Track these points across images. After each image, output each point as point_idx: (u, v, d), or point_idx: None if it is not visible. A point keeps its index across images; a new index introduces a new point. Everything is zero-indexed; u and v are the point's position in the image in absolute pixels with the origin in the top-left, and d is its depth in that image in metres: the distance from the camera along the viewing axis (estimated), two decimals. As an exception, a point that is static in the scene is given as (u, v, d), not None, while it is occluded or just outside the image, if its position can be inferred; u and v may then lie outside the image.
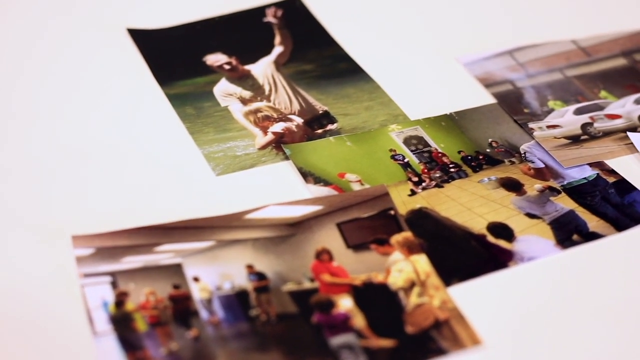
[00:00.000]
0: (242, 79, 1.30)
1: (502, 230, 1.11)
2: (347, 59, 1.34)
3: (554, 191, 1.16)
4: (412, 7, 1.48)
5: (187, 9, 1.43)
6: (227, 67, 1.31)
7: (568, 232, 1.10)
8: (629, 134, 1.24)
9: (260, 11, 1.42)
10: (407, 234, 1.09)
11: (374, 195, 1.14)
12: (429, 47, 1.39)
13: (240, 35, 1.38)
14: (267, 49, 1.35)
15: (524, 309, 1.02)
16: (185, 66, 1.32)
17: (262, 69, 1.31)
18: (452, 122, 1.25)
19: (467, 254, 1.07)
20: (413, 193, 1.15)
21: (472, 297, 1.03)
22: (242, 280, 1.04)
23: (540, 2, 1.51)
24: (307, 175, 1.15)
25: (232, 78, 1.30)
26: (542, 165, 1.20)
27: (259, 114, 1.24)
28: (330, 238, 1.09)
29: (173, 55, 1.34)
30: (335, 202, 1.12)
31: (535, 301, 1.03)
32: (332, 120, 1.25)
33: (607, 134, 1.26)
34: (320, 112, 1.26)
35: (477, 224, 1.10)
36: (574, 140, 1.25)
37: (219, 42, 1.36)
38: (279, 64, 1.33)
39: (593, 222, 1.12)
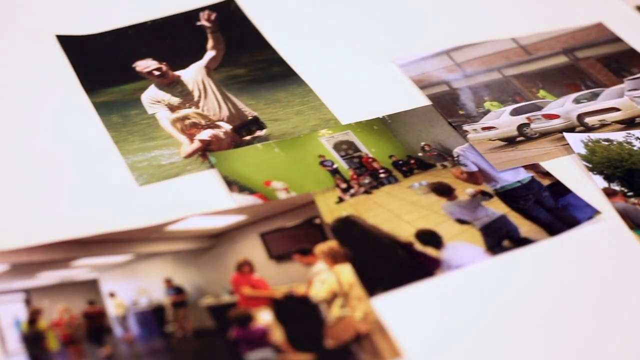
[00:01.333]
0: (172, 85, 1.27)
1: (431, 238, 1.08)
2: (280, 62, 1.31)
3: (486, 195, 1.13)
4: (351, 9, 1.44)
5: (120, 14, 1.39)
6: (156, 73, 1.28)
7: (499, 238, 1.07)
8: (565, 134, 1.21)
9: (194, 15, 1.38)
10: (332, 244, 1.05)
11: (299, 204, 1.10)
12: (366, 49, 1.35)
13: (173, 40, 1.35)
14: (199, 54, 1.32)
15: (449, 319, 0.99)
16: (114, 73, 1.28)
17: (193, 74, 1.28)
18: (385, 126, 1.22)
19: (392, 263, 1.04)
20: (341, 200, 1.12)
21: (396, 307, 0.99)
22: (160, 295, 1.01)
23: (482, 0, 1.49)
24: (232, 184, 1.12)
25: (162, 84, 1.26)
26: (475, 169, 1.17)
27: (187, 121, 1.21)
28: (252, 249, 1.06)
29: (102, 62, 1.30)
30: (259, 211, 1.09)
31: (461, 310, 1.00)
32: (261, 126, 1.21)
33: (544, 134, 1.23)
34: (250, 118, 1.23)
35: (405, 231, 1.07)
36: (510, 142, 1.22)
37: (150, 47, 1.33)
38: (210, 69, 1.29)
39: (525, 227, 1.09)
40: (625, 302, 1.02)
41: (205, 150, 1.16)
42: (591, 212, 1.10)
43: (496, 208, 1.11)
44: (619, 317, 1.01)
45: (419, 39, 1.37)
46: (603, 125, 1.25)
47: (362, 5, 1.45)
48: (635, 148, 1.21)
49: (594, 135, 1.22)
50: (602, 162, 1.18)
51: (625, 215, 1.11)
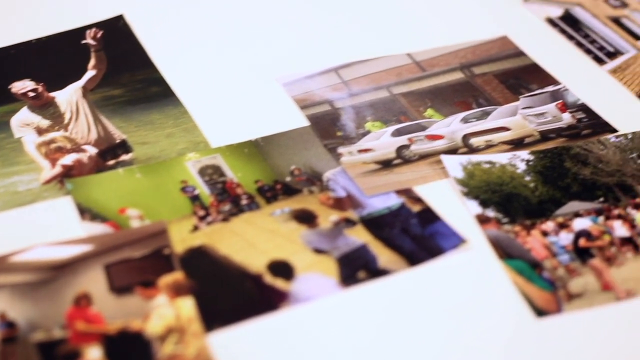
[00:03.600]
0: (44, 107, 1.23)
1: (282, 269, 1.03)
2: (160, 82, 1.26)
3: (349, 223, 1.08)
4: (243, 27, 1.39)
5: (5, 33, 1.36)
6: (31, 94, 1.23)
7: (354, 269, 1.02)
8: (443, 156, 1.15)
9: (81, 32, 1.34)
10: (178, 276, 1.01)
11: (151, 233, 1.06)
12: (252, 68, 1.30)
13: (56, 59, 1.31)
14: (80, 74, 1.28)
15: (289, 356, 0.95)
16: (-13, 95, 1.25)
17: (68, 95, 1.24)
18: (256, 149, 1.17)
19: (237, 297, 0.99)
20: (196, 229, 1.07)
21: (234, 344, 0.95)
22: (-9, 331, 0.98)
23: (382, 14, 1.43)
24: (85, 212, 1.07)
25: (35, 106, 1.22)
26: (344, 194, 1.11)
27: (52, 145, 1.17)
28: (94, 281, 1.01)
29: (-22, 83, 1.27)
30: (107, 241, 1.05)
31: (303, 347, 0.95)
32: (128, 150, 1.17)
33: (424, 157, 1.18)
34: (118, 141, 1.18)
35: (257, 262, 1.02)
36: (385, 165, 1.17)
37: (31, 67, 1.28)
38: (87, 90, 1.25)
39: (386, 257, 1.04)
40: (485, 338, 0.97)
41: (66, 176, 1.12)
42: (457, 241, 1.05)
43: (358, 236, 1.06)
44: (476, 354, 0.96)
45: (309, 55, 1.32)
46: (489, 146, 1.19)
47: (254, 23, 1.39)
48: (518, 171, 1.16)
49: (476, 157, 1.16)
50: (480, 186, 1.12)
51: (497, 244, 1.05)
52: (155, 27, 1.37)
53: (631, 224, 1.12)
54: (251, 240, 1.06)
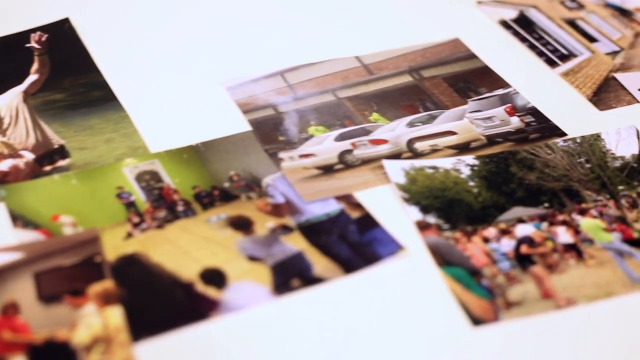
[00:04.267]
0: (-17, 111, 1.21)
1: (214, 277, 1.00)
2: (103, 86, 1.24)
3: (286, 230, 1.06)
4: (189, 30, 1.37)
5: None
6: (-28, 100, 1.23)
7: (288, 277, 1.00)
8: (384, 161, 1.13)
9: (26, 36, 1.32)
10: (108, 284, 0.99)
11: (83, 240, 1.04)
12: (197, 71, 1.28)
13: (-1, 64, 1.30)
14: (22, 77, 1.25)
15: (216, 367, 0.93)
16: None
17: (8, 99, 1.22)
18: (196, 154, 1.15)
19: (167, 306, 0.97)
20: (130, 236, 1.05)
21: (161, 354, 0.93)
22: None
23: (332, 17, 1.42)
24: (17, 219, 1.05)
25: (-26, 112, 1.21)
26: (282, 201, 1.10)
27: (-12, 151, 1.16)
28: (23, 289, 0.99)
29: None
30: (38, 248, 1.03)
31: (232, 356, 0.93)
32: (65, 156, 1.15)
33: (367, 161, 1.16)
34: (56, 146, 1.16)
35: (190, 270, 1.00)
36: (327, 170, 1.15)
37: (-28, 72, 1.28)
38: (28, 94, 1.23)
39: (321, 265, 1.02)
40: (419, 347, 0.95)
41: (1, 182, 1.10)
42: (395, 248, 1.03)
43: (295, 243, 1.04)
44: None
45: (257, 58, 1.30)
46: (434, 151, 1.18)
47: (201, 26, 1.38)
48: (462, 176, 1.14)
49: (419, 162, 1.14)
50: (422, 191, 1.10)
51: (436, 251, 1.04)
52: (101, 30, 1.35)
53: (575, 230, 1.10)
54: (185, 248, 1.04)
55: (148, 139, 1.17)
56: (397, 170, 1.12)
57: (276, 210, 1.08)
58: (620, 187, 1.16)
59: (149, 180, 1.12)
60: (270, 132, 1.18)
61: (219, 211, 1.09)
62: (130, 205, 1.09)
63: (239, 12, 1.41)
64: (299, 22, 1.39)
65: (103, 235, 1.04)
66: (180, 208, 1.09)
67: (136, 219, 1.07)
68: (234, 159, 1.15)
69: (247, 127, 1.19)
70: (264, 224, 1.06)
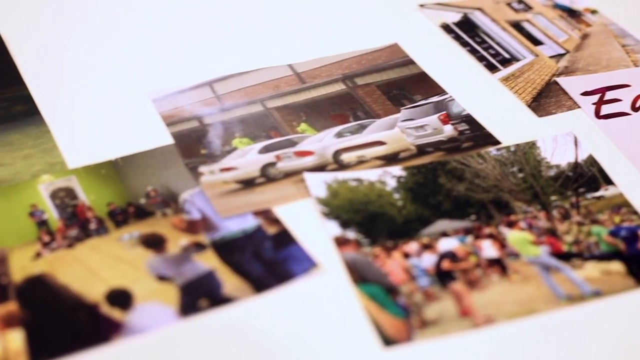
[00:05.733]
0: None
1: (120, 298, 0.98)
2: (26, 100, 1.21)
3: (199, 248, 1.03)
4: (119, 42, 1.33)
5: None
6: None
7: (196, 297, 0.97)
8: (306, 174, 1.10)
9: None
10: (10, 306, 0.96)
11: (-11, 261, 1.02)
12: (124, 84, 1.24)
13: None
14: (-55, 92, 1.24)
15: (115, 393, 0.90)
16: None
17: None
18: (114, 170, 1.12)
19: (70, 328, 0.94)
20: (39, 256, 1.03)
21: (59, 380, 0.91)
22: None
23: (266, 24, 1.38)
24: None
25: None
26: (198, 217, 1.07)
27: None
28: None
29: None
30: (-57, 270, 1.01)
31: (131, 382, 0.91)
32: (-19, 173, 1.13)
33: (290, 174, 1.12)
34: (-28, 163, 1.14)
35: (96, 291, 0.97)
36: (247, 184, 1.12)
37: None
38: (-49, 109, 1.21)
39: (232, 283, 0.99)
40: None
41: None
42: (309, 265, 1.00)
43: (207, 262, 1.01)
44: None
45: (185, 68, 1.27)
46: (361, 162, 1.14)
47: (131, 38, 1.34)
48: (387, 188, 1.10)
49: (343, 175, 1.11)
50: (343, 205, 1.07)
51: (353, 268, 1.00)
52: (27, 42, 1.32)
53: (502, 243, 1.06)
54: (93, 268, 1.01)
55: (68, 154, 1.13)
56: (318, 183, 1.09)
57: (191, 227, 1.05)
58: (553, 198, 1.12)
59: (64, 198, 1.09)
60: (192, 145, 1.15)
61: (133, 229, 1.06)
62: (42, 224, 1.06)
63: (169, 22, 1.38)
64: (230, 30, 1.36)
65: (11, 255, 1.02)
66: (92, 226, 1.06)
67: (47, 238, 1.04)
68: (153, 174, 1.12)
69: (170, 141, 1.16)
70: (177, 242, 1.03)
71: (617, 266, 1.05)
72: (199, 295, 0.98)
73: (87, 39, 1.34)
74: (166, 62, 1.29)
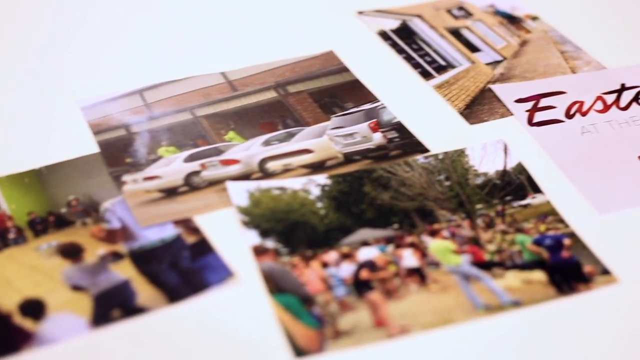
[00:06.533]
0: None
1: (33, 308, 0.97)
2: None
3: (116, 257, 1.03)
4: (51, 47, 1.33)
5: None
6: None
7: (109, 307, 0.97)
8: (228, 183, 1.09)
9: None
10: None
11: None
12: (54, 91, 1.24)
13: None
14: None
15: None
16: None
17: None
18: (38, 178, 1.12)
19: (-18, 339, 0.94)
20: (-46, 266, 1.03)
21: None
22: None
23: (200, 31, 1.38)
24: None
25: None
26: (118, 226, 1.06)
27: None
28: None
29: None
30: None
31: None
32: None
33: (215, 183, 1.12)
34: None
35: (10, 301, 0.97)
36: (170, 193, 1.11)
37: None
38: None
39: (147, 293, 0.98)
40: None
41: None
42: (225, 275, 0.99)
43: (123, 271, 1.01)
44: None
45: (117, 76, 1.27)
46: (286, 171, 1.14)
47: (62, 43, 1.34)
48: (311, 197, 1.10)
49: (267, 183, 1.11)
50: (264, 214, 1.06)
51: (269, 277, 1.00)
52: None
53: (423, 252, 1.05)
54: (9, 278, 1.00)
55: (-8, 163, 1.14)
56: (241, 192, 1.08)
57: (110, 236, 1.05)
58: (479, 206, 1.12)
59: (-15, 207, 1.09)
60: (118, 153, 1.14)
61: (52, 238, 1.05)
62: (-38, 234, 1.06)
63: (103, 28, 1.38)
64: (165, 38, 1.36)
65: None
66: (11, 235, 1.05)
67: (-36, 248, 1.04)
68: (77, 183, 1.11)
69: (96, 149, 1.16)
70: (95, 252, 1.03)
71: (539, 275, 1.05)
72: (112, 306, 0.97)
73: (15, 43, 1.33)
74: (98, 69, 1.29)
